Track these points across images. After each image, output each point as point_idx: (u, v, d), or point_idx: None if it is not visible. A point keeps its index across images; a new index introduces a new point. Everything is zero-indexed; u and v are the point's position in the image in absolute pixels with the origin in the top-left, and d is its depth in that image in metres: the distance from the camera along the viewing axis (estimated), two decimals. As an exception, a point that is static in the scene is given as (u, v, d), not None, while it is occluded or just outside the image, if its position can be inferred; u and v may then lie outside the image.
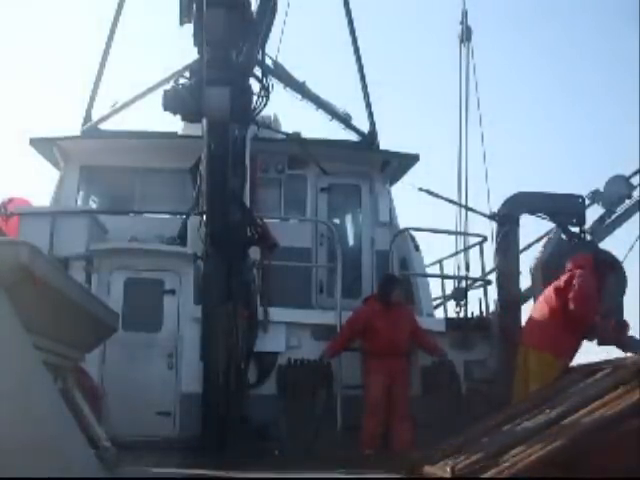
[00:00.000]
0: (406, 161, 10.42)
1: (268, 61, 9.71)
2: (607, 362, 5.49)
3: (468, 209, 11.16)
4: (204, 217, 7.75)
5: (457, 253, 10.85)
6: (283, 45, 10.48)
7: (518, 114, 30.25)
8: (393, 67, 26.79)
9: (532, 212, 9.14)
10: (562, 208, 9.03)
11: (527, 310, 8.71)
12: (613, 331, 7.40)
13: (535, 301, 8.32)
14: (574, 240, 8.95)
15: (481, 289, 9.74)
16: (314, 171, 10.15)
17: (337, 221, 10.60)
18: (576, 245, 8.88)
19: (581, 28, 31.16)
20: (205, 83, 7.08)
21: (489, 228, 9.62)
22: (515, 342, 8.05)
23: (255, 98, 7.74)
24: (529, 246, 9.86)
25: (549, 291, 7.60)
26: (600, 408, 4.40)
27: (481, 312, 9.44)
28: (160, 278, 8.75)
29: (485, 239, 9.65)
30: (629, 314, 8.55)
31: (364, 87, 10.60)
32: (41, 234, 8.23)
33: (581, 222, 8.98)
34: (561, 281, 7.47)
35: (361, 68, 10.63)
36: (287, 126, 10.66)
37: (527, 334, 7.69)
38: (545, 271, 8.76)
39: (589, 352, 8.36)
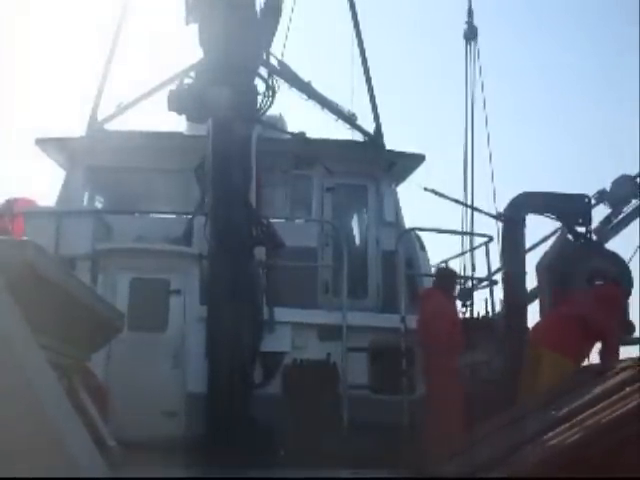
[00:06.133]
0: (412, 161, 10.39)
1: (273, 61, 9.73)
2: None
3: (474, 209, 11.15)
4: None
5: (463, 253, 10.84)
6: (288, 45, 10.51)
7: (523, 113, 30.18)
8: (399, 66, 26.78)
9: (538, 212, 9.12)
10: (568, 208, 9.00)
11: (535, 310, 8.74)
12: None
13: (541, 300, 8.30)
14: (580, 240, 8.93)
15: (487, 289, 9.74)
16: (320, 171, 10.14)
17: (343, 221, 10.58)
18: (581, 245, 8.86)
19: (587, 27, 31.08)
20: (210, 83, 7.08)
21: (495, 228, 9.62)
22: (522, 342, 8.04)
23: (261, 98, 7.76)
24: (535, 246, 9.82)
25: (576, 310, 7.80)
26: (606, 409, 4.39)
27: (487, 312, 9.42)
28: (166, 278, 8.76)
29: (491, 239, 9.63)
30: (632, 315, 8.55)
31: (370, 87, 10.57)
32: (46, 234, 8.24)
33: (587, 222, 8.95)
34: (588, 309, 7.76)
35: (367, 69, 10.61)
36: (292, 126, 10.68)
37: (543, 336, 7.71)
38: (551, 272, 8.75)
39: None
